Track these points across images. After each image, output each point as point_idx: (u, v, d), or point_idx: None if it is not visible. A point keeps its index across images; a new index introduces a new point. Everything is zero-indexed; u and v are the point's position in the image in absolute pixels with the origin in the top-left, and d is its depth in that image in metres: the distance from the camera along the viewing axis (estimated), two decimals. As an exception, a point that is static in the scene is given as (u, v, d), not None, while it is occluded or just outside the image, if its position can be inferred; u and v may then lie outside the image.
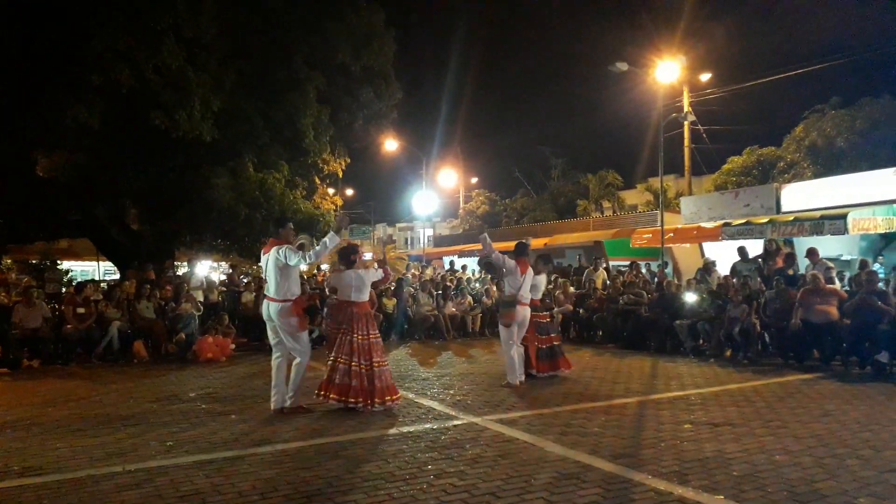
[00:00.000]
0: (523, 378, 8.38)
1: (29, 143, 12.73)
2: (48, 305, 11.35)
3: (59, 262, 20.53)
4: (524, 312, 8.39)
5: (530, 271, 8.46)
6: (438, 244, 37.59)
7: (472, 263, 25.52)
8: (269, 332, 6.97)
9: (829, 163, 23.60)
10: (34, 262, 19.66)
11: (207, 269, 21.25)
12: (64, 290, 14.31)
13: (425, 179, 33.56)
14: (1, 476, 4.86)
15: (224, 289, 14.27)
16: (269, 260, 6.76)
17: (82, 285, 12.45)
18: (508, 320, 8.26)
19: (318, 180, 17.10)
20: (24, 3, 11.59)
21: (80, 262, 23.69)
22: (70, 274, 20.83)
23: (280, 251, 6.64)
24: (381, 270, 7.45)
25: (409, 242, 58.31)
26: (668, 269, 17.48)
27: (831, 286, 10.29)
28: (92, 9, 11.47)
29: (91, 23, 11.42)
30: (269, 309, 6.78)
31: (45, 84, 11.65)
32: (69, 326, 10.85)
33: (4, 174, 13.48)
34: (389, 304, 13.99)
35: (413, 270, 17.78)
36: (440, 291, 14.69)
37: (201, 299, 12.73)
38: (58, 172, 12.66)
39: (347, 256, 7.20)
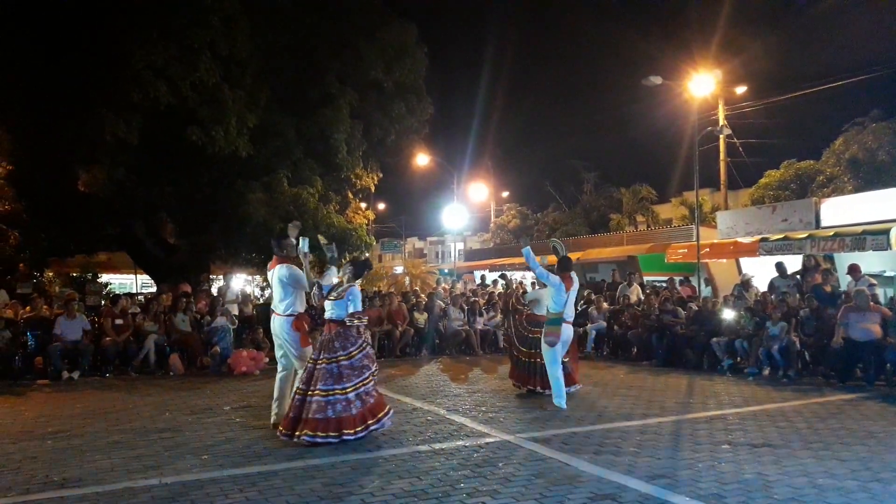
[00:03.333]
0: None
1: (70, 159, 13.07)
2: (88, 318, 11.57)
3: (98, 275, 20.97)
4: (569, 331, 8.12)
5: (575, 287, 8.19)
6: (469, 258, 37.56)
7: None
8: (276, 348, 7.07)
9: (871, 176, 23.06)
10: (75, 275, 20.09)
11: (242, 283, 21.55)
12: (103, 302, 14.59)
13: (456, 193, 33.53)
14: (42, 487, 4.95)
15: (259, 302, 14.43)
16: (274, 276, 6.87)
17: (117, 298, 12.67)
18: (554, 339, 7.91)
19: (350, 195, 17.25)
20: (65, 23, 11.94)
21: (118, 276, 24.17)
22: (109, 287, 21.24)
23: (290, 271, 6.78)
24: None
25: (439, 256, 58.38)
26: (708, 289, 17.11)
27: (874, 303, 10.02)
28: (131, 27, 11.78)
29: (130, 41, 11.72)
30: (274, 323, 6.89)
31: (86, 101, 11.97)
32: (108, 339, 11.05)
33: (47, 189, 13.85)
34: (421, 318, 13.99)
35: (444, 285, 17.78)
36: (470, 306, 14.62)
37: (236, 313, 12.87)
38: (97, 187, 12.97)
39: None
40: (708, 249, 18.16)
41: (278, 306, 6.84)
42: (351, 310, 6.41)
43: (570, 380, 8.55)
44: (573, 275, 8.22)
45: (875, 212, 16.16)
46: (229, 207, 13.74)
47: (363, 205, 19.25)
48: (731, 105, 24.76)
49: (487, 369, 11.60)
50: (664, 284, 15.39)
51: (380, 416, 6.27)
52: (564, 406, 7.77)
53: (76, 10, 11.94)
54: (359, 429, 6.07)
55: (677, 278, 15.37)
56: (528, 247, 8.21)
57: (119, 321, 11.28)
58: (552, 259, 9.02)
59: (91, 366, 10.92)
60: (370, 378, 6.29)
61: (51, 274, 18.66)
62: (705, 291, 16.45)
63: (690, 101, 21.89)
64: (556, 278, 7.94)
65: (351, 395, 6.11)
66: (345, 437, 5.99)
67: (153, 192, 13.90)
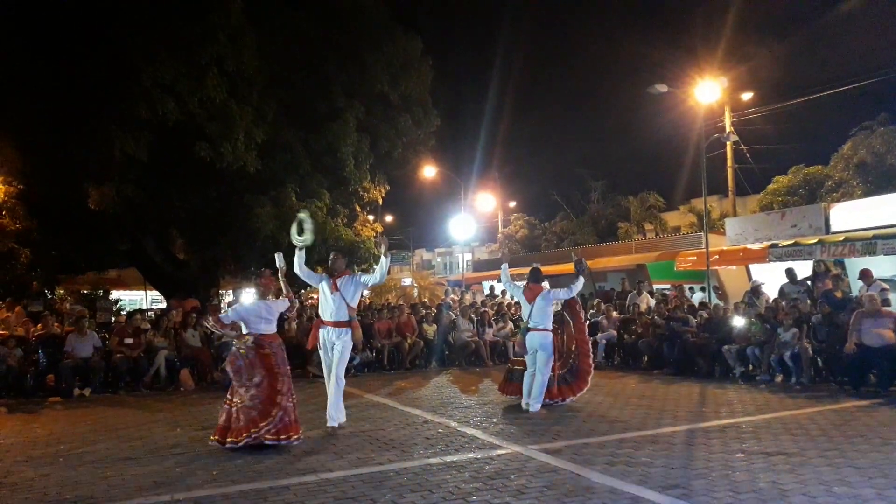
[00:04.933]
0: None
1: (80, 177, 13.17)
2: (98, 335, 11.61)
3: (109, 291, 21.07)
4: (536, 339, 8.24)
5: (546, 296, 8.35)
6: (477, 269, 37.48)
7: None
8: None
9: (880, 180, 22.96)
10: (85, 292, 20.18)
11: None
12: (113, 319, 14.64)
13: (463, 204, 33.51)
14: (54, 505, 4.96)
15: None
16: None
17: (132, 315, 12.72)
18: (518, 348, 8.83)
19: (358, 208, 17.29)
20: (73, 40, 12.06)
21: (128, 292, 24.24)
22: (119, 303, 21.32)
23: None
24: (286, 299, 7.57)
25: (447, 267, 58.37)
26: (700, 294, 16.97)
27: (887, 308, 9.94)
28: (138, 44, 11.88)
29: (138, 58, 11.82)
30: None
31: (96, 118, 12.06)
32: (118, 355, 11.08)
33: (57, 207, 13.95)
34: (430, 330, 13.97)
35: (452, 296, 17.76)
36: (479, 317, 14.59)
37: (245, 328, 12.84)
38: (107, 204, 13.05)
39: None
40: (717, 256, 18.10)
41: None
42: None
43: (548, 393, 8.50)
44: (579, 283, 8.76)
45: (885, 216, 16.09)
46: (238, 222, 13.79)
47: (371, 217, 19.28)
48: (737, 111, 24.76)
49: (497, 380, 11.53)
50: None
51: (261, 425, 6.39)
52: (533, 410, 8.13)
53: (84, 27, 12.05)
54: (242, 436, 6.33)
55: (686, 286, 15.32)
56: (506, 262, 9.43)
57: (129, 340, 11.30)
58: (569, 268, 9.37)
59: (102, 382, 10.95)
60: (237, 390, 6.61)
61: (61, 291, 18.74)
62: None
63: (696, 109, 21.90)
64: (517, 290, 8.65)
65: (237, 407, 6.52)
66: (227, 446, 6.38)
67: (162, 207, 13.97)
